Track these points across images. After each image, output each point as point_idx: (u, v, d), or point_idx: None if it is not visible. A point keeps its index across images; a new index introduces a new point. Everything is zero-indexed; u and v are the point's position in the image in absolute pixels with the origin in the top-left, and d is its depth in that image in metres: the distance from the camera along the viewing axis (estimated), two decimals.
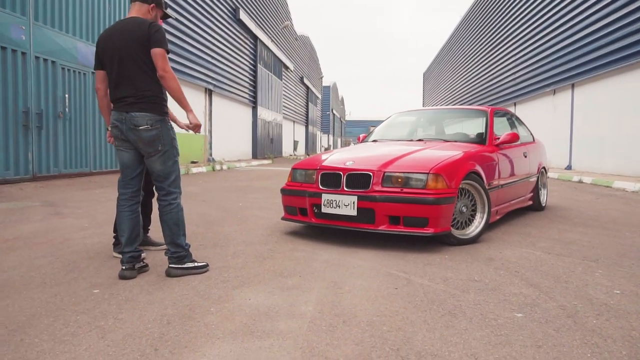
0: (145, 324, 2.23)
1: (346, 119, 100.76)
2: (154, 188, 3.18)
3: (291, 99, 37.70)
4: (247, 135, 24.72)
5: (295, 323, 2.28)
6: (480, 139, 4.99)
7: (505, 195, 4.99)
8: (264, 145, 27.12)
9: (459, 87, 35.89)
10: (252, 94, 24.69)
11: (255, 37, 24.59)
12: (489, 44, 26.29)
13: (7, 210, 5.75)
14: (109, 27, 2.95)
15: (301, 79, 41.91)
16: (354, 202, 3.96)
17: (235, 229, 4.70)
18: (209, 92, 18.60)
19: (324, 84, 63.53)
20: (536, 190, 6.07)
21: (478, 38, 29.29)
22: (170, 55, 14.43)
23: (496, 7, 24.70)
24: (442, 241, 4.08)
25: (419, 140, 5.15)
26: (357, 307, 2.51)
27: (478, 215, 4.27)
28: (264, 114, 26.92)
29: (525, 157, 5.63)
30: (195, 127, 2.99)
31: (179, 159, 3.04)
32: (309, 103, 46.36)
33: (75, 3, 9.69)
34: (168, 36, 14.18)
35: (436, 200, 3.76)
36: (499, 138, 4.98)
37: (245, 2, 22.70)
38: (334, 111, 71.59)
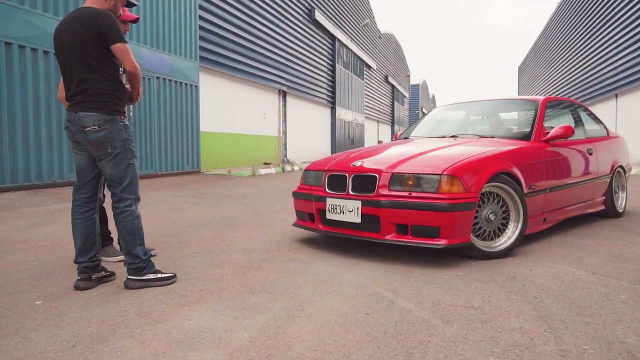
0: (44, 347, 1.98)
1: None
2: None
3: (374, 99, 37.08)
4: (325, 136, 24.58)
5: (211, 354, 1.91)
6: (525, 134, 4.26)
7: (558, 199, 4.23)
8: (343, 145, 26.83)
9: (554, 79, 33.19)
10: (330, 94, 24.50)
11: (332, 37, 24.38)
12: (587, 31, 23.91)
13: (52, 211, 5.94)
14: (63, 19, 2.76)
15: (386, 78, 41.11)
16: (357, 208, 3.50)
17: (246, 235, 4.41)
18: (283, 94, 18.67)
19: (412, 83, 62.04)
20: (609, 194, 5.14)
21: (574, 25, 26.81)
22: (243, 59, 14.66)
23: None
24: (465, 254, 3.48)
25: (453, 136, 4.53)
26: (301, 337, 2.08)
27: (511, 225, 3.60)
28: (343, 114, 26.65)
29: (591, 154, 4.77)
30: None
31: (135, 162, 2.79)
32: (395, 102, 45.36)
33: (139, 11, 10.02)
34: (240, 40, 14.41)
35: (450, 206, 3.19)
36: (548, 132, 4.22)
37: (322, 2, 22.57)
38: (424, 110, 69.69)
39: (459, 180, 3.27)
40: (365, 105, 33.30)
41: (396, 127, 45.50)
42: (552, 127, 4.35)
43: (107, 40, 2.59)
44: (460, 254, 3.51)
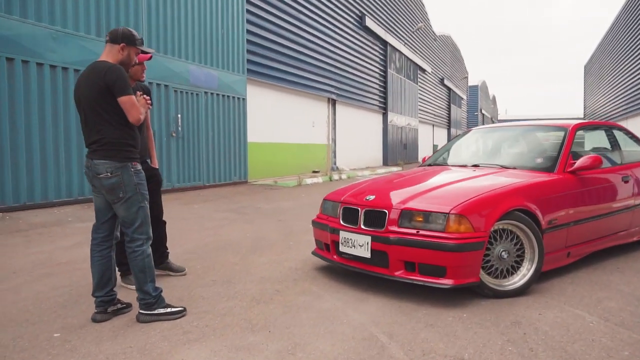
0: None
1: (500, 117, 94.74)
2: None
3: (429, 102, 36.49)
4: (376, 142, 24.49)
5: None
6: (549, 165, 4.13)
7: (585, 232, 4.07)
8: (396, 151, 26.62)
9: (620, 81, 31.32)
10: (381, 100, 24.40)
11: (384, 43, 24.26)
12: None
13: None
14: (81, 73, 3.00)
15: (441, 81, 40.35)
16: (368, 243, 3.54)
17: (269, 260, 4.55)
18: (333, 102, 18.80)
19: (471, 84, 60.48)
20: None
21: None
22: (291, 69, 14.93)
23: None
24: (476, 291, 3.44)
25: (475, 165, 4.46)
26: None
27: (525, 264, 3.52)
28: (395, 119, 26.44)
29: (627, 182, 4.54)
30: None
31: (145, 205, 2.98)
32: (451, 105, 44.42)
33: (187, 30, 10.47)
34: (288, 51, 14.68)
35: (457, 246, 3.18)
36: (574, 163, 4.07)
37: (372, 8, 22.51)
38: (483, 111, 67.69)
39: (467, 219, 3.25)
40: (420, 109, 32.84)
41: (453, 130, 44.56)
42: (582, 156, 4.20)
43: (114, 94, 2.80)
44: (471, 290, 3.48)
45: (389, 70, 25.02)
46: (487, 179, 3.87)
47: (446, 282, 3.22)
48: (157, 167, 4.21)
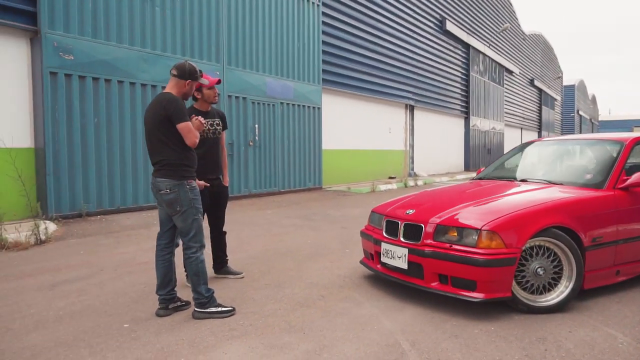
0: None
1: (600, 119, 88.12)
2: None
3: (517, 105, 34.98)
4: (457, 147, 24.01)
5: None
6: (598, 182, 4.07)
7: (637, 251, 3.98)
8: (478, 156, 25.89)
9: None
10: (463, 104, 23.89)
11: (467, 46, 23.74)
12: None
13: None
14: (150, 102, 3.50)
15: (531, 82, 38.50)
16: (405, 255, 3.75)
17: (322, 266, 4.87)
18: (411, 107, 18.78)
19: (567, 83, 57.02)
20: None
21: None
22: (368, 77, 15.20)
23: None
24: (511, 306, 3.52)
25: (522, 180, 4.48)
26: None
27: (563, 281, 3.54)
28: (478, 123, 25.73)
29: None
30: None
31: (199, 217, 3.41)
32: (542, 106, 42.20)
33: (265, 45, 11.11)
34: (364, 59, 15.00)
35: (487, 261, 3.30)
36: (627, 179, 3.98)
37: (454, 11, 22.14)
38: (581, 112, 63.42)
39: (499, 235, 3.35)
40: (506, 112, 31.63)
41: (544, 132, 42.31)
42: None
43: (173, 121, 3.26)
44: (506, 305, 3.56)
45: (471, 73, 24.43)
46: (527, 195, 3.92)
47: (477, 296, 3.35)
48: (227, 185, 4.60)
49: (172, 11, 8.89)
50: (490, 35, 27.54)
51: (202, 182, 4.08)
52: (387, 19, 16.36)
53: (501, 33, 29.51)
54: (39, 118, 7.09)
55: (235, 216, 8.35)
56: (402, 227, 3.88)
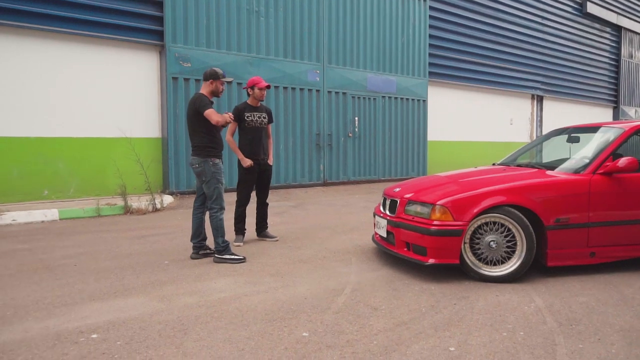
0: (141, 282, 3.92)
1: None
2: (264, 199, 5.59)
3: None
4: None
5: (198, 299, 3.49)
6: (578, 168, 4.25)
7: (615, 235, 4.12)
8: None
9: None
10: (611, 92, 21.71)
11: (617, 28, 21.47)
12: None
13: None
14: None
15: None
16: (385, 225, 4.45)
17: (349, 238, 5.67)
18: (539, 98, 17.90)
19: None
20: None
21: None
22: (483, 68, 15.11)
23: None
24: (464, 273, 4.02)
25: (518, 165, 4.79)
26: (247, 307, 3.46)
27: (516, 255, 3.92)
28: (632, 113, 23.13)
29: None
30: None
31: (219, 186, 4.54)
32: None
33: (366, 43, 11.93)
34: (480, 50, 15.03)
35: (436, 231, 3.89)
36: (610, 164, 4.12)
37: None
38: None
39: (448, 209, 3.91)
40: None
41: None
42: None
43: (200, 112, 4.43)
44: (462, 272, 4.06)
45: (622, 58, 22.07)
46: (500, 177, 4.31)
47: (428, 260, 3.94)
48: (272, 164, 5.70)
49: (275, 19, 10.26)
50: None
51: (249, 161, 5.28)
52: (510, 7, 15.90)
53: None
54: (164, 114, 8.98)
55: (320, 198, 9.45)
56: (388, 203, 4.57)
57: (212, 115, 4.45)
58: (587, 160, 4.27)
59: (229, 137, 5.35)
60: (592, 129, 4.94)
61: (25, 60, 7.72)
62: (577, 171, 4.23)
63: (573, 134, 5.14)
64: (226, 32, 9.56)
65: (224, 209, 4.64)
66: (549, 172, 4.34)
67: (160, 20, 8.82)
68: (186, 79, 9.04)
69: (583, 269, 4.19)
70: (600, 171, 4.13)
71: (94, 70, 8.38)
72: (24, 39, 7.70)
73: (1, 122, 7.54)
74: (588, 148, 4.58)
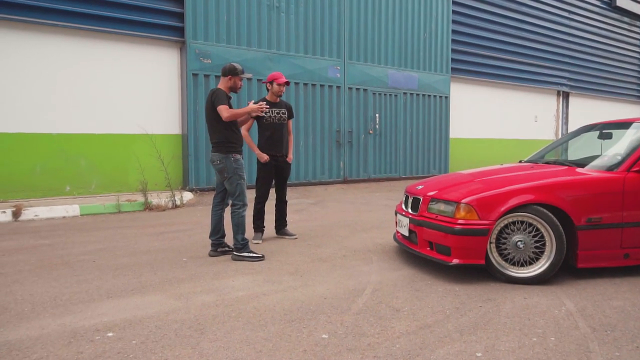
0: (158, 279, 3.87)
1: None
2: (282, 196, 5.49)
3: None
4: None
5: (218, 296, 3.43)
6: (612, 165, 4.06)
7: None
8: None
9: None
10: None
11: None
12: None
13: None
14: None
15: None
16: (407, 224, 4.32)
17: (370, 236, 5.56)
18: (565, 94, 17.46)
19: None
20: None
21: None
22: (506, 64, 14.79)
23: None
24: (491, 274, 3.87)
25: (546, 163, 4.60)
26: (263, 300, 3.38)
27: (545, 256, 3.75)
28: None
29: None
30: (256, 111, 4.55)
31: (242, 182, 4.47)
32: None
33: (387, 39, 11.76)
34: (505, 46, 14.76)
35: (460, 230, 3.75)
36: None
37: None
38: None
39: (473, 208, 3.76)
40: None
41: None
42: None
43: (215, 107, 4.35)
44: (487, 272, 3.91)
45: None
46: (528, 175, 4.14)
47: (452, 261, 3.80)
48: (290, 161, 5.60)
49: (296, 15, 10.16)
50: None
51: (266, 156, 5.20)
52: (535, 1, 15.53)
53: None
54: (184, 110, 8.96)
55: (340, 195, 9.35)
56: (410, 201, 4.43)
57: (223, 111, 4.35)
58: (621, 157, 4.08)
59: (244, 132, 5.25)
60: (625, 124, 4.72)
61: (47, 57, 7.78)
62: (610, 169, 4.04)
63: (605, 130, 4.92)
64: (246, 28, 9.50)
65: (247, 205, 4.57)
66: (579, 170, 4.16)
67: (180, 16, 8.80)
68: (206, 76, 9.01)
69: (615, 271, 4.01)
70: (635, 169, 3.94)
71: (115, 66, 8.40)
72: (47, 35, 7.75)
73: (25, 119, 7.61)
74: (621, 145, 4.38)
